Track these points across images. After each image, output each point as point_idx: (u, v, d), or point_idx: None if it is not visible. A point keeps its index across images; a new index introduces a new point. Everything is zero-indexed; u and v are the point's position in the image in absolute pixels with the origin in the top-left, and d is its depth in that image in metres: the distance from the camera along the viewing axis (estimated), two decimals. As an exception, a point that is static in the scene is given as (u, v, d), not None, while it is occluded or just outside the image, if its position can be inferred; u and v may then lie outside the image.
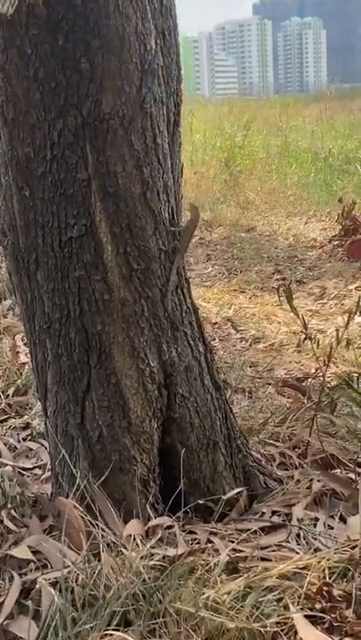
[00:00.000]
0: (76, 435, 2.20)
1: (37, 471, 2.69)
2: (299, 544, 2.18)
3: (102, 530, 2.05)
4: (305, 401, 3.53)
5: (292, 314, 5.52)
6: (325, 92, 22.76)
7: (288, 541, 2.17)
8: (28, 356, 3.49)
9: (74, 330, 2.13)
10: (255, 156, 13.51)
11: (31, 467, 2.73)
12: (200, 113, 15.82)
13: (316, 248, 8.08)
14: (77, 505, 2.12)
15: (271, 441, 2.83)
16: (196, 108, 15.49)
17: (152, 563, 1.90)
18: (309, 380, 3.97)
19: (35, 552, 2.09)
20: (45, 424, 2.33)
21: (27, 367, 3.72)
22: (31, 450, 2.86)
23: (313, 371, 4.24)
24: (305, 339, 2.79)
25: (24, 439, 3.00)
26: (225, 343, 4.88)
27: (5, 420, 3.21)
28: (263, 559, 2.04)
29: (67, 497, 2.21)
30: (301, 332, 2.97)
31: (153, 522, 2.16)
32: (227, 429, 2.35)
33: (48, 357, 2.22)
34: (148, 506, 2.20)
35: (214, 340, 4.89)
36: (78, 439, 2.20)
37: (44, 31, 1.97)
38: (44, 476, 2.55)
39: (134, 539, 2.05)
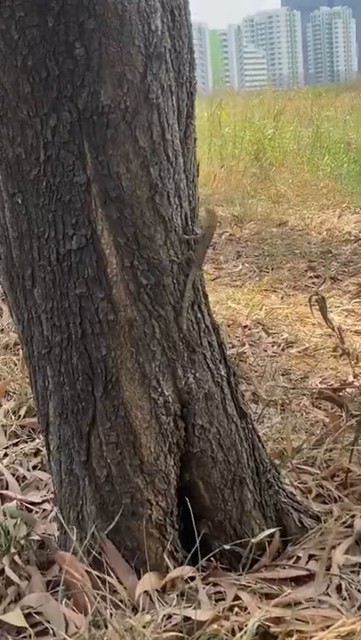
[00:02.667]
0: (82, 474, 1.92)
1: (47, 506, 2.42)
2: (341, 596, 1.89)
3: (112, 587, 1.77)
4: (343, 415, 3.25)
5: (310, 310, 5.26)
6: (357, 80, 22.44)
7: (328, 594, 1.88)
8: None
9: (76, 355, 1.86)
10: (286, 147, 13.27)
11: (40, 501, 2.46)
12: (229, 105, 15.56)
13: (351, 242, 7.79)
14: (83, 557, 1.85)
15: (306, 467, 2.54)
16: (225, 101, 15.24)
17: (167, 635, 1.61)
18: (347, 389, 3.67)
19: (37, 612, 1.82)
20: (49, 460, 2.05)
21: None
22: (41, 480, 2.59)
23: (351, 378, 3.96)
24: (342, 354, 2.49)
25: (34, 467, 2.72)
26: (255, 348, 4.60)
27: (16, 444, 2.93)
28: (299, 619, 1.75)
29: (71, 545, 1.94)
30: (338, 346, 2.67)
31: (171, 574, 1.88)
32: (255, 462, 2.06)
33: (49, 386, 1.95)
34: (165, 555, 1.92)
35: (244, 345, 4.61)
36: (84, 479, 1.92)
37: (31, 12, 1.70)
38: (52, 514, 2.27)
39: (150, 596, 1.77)
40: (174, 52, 1.85)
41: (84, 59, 1.71)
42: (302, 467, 2.55)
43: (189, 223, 1.90)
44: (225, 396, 1.99)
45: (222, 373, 1.99)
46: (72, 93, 1.73)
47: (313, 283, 6.26)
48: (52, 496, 2.40)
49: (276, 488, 2.11)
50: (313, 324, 5.10)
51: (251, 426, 2.06)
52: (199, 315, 1.93)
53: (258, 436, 2.09)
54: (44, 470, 2.64)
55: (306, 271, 6.58)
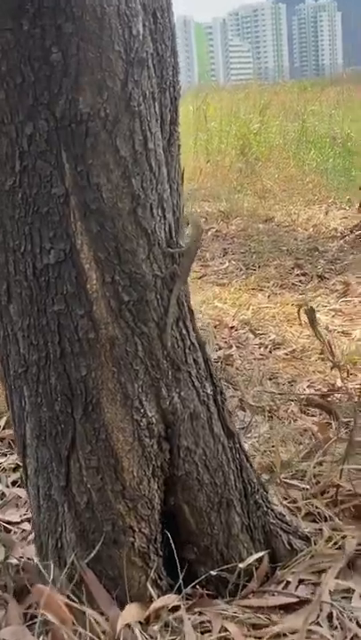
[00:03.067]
0: (61, 500, 1.83)
1: (26, 525, 2.32)
2: (331, 625, 1.80)
3: (93, 619, 1.68)
4: (333, 423, 3.17)
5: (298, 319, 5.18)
6: (342, 74, 22.40)
7: (318, 623, 1.80)
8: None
9: (54, 375, 1.76)
10: (272, 142, 13.19)
11: (19, 520, 2.37)
12: (215, 100, 15.46)
13: (338, 239, 7.71)
14: (62, 587, 1.76)
15: (295, 482, 2.45)
16: (210, 95, 15.14)
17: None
18: (336, 395, 3.59)
19: (13, 646, 1.73)
20: (26, 484, 1.96)
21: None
22: (20, 498, 2.49)
23: (339, 382, 3.88)
24: (332, 367, 2.40)
25: (13, 483, 2.63)
26: (242, 351, 4.51)
27: (-4, 459, 2.84)
28: (289, 653, 1.67)
29: (52, 574, 1.84)
30: (328, 359, 2.58)
31: (155, 604, 1.79)
32: (242, 483, 1.97)
33: (26, 406, 1.86)
34: (148, 584, 1.83)
35: (231, 347, 4.53)
36: (64, 505, 1.83)
37: (4, 15, 1.61)
38: (31, 535, 2.18)
39: (132, 629, 1.69)
40: (157, 56, 1.76)
41: (62, 64, 1.62)
42: (291, 481, 2.46)
43: (173, 235, 1.80)
44: (211, 415, 1.90)
45: (208, 391, 1.90)
46: (49, 101, 1.64)
47: (300, 281, 6.19)
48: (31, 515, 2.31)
49: (265, 509, 2.03)
50: (300, 325, 5.01)
51: (238, 445, 1.98)
52: (184, 331, 1.84)
53: (246, 456, 2.01)
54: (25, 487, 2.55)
55: (293, 269, 6.51)
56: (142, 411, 1.78)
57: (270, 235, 7.89)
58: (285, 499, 2.32)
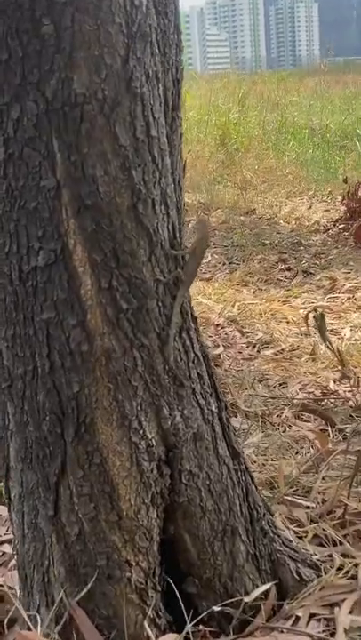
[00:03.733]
0: (49, 530, 1.63)
1: (6, 547, 2.11)
2: (349, 670, 1.62)
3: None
4: (329, 431, 2.99)
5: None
6: (319, 65, 22.33)
7: (335, 668, 1.61)
8: None
9: (42, 391, 1.56)
10: (251, 132, 13.04)
11: (-1, 541, 2.16)
12: (192, 89, 15.28)
13: (321, 232, 7.58)
14: (50, 629, 1.56)
15: (298, 499, 2.26)
16: (188, 84, 14.94)
17: None
18: (331, 400, 3.41)
19: None
20: (9, 509, 1.75)
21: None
22: (1, 516, 2.29)
23: (332, 384, 3.71)
24: (342, 378, 2.22)
25: None
26: (230, 350, 4.33)
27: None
28: None
29: (38, 611, 1.65)
30: (338, 369, 2.40)
31: (154, 646, 1.59)
32: (248, 509, 1.78)
33: (10, 425, 1.65)
34: (146, 622, 1.64)
35: (218, 346, 4.34)
36: (51, 536, 1.63)
37: None
38: (14, 561, 1.97)
39: None
40: (160, 31, 1.55)
41: (54, 38, 1.41)
42: (293, 499, 2.27)
43: (177, 235, 1.61)
44: (216, 435, 1.71)
45: (213, 409, 1.70)
46: (39, 79, 1.44)
47: (285, 276, 6.05)
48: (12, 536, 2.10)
49: (271, 535, 1.84)
50: (288, 322, 4.86)
51: (243, 466, 1.79)
52: (188, 342, 1.65)
53: (251, 478, 1.82)
54: (3, 504, 2.33)
55: (277, 263, 6.37)
56: (141, 432, 1.58)
57: (252, 228, 7.74)
58: (289, 519, 2.13)
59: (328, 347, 2.44)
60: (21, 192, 1.50)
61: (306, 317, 2.88)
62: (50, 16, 1.41)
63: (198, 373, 1.67)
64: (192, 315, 1.66)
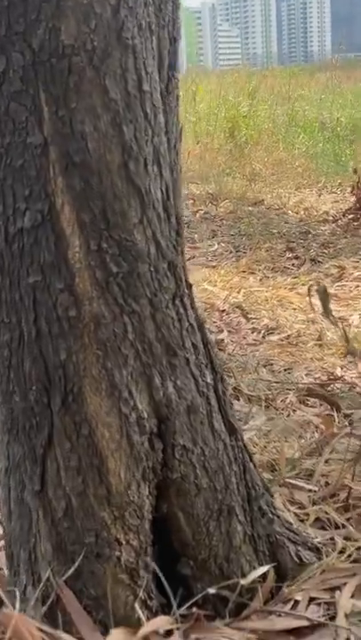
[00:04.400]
0: (35, 505, 1.55)
1: (-3, 529, 2.04)
2: (350, 656, 1.54)
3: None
4: (335, 415, 2.91)
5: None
6: (331, 60, 22.26)
7: (334, 653, 1.53)
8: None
9: (29, 359, 1.49)
10: (261, 126, 12.97)
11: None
12: (203, 83, 15.23)
13: (330, 222, 7.51)
14: (36, 608, 1.49)
15: (301, 483, 2.19)
16: (199, 79, 14.90)
17: None
18: (337, 385, 3.34)
19: None
20: (-5, 488, 1.68)
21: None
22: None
23: (338, 370, 3.63)
24: (346, 354, 2.14)
25: None
26: (234, 335, 4.26)
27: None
28: None
29: (24, 590, 1.57)
30: (344, 346, 2.32)
31: (144, 628, 1.52)
32: (245, 488, 1.71)
33: (-5, 395, 1.57)
34: (137, 604, 1.56)
35: (222, 331, 4.27)
36: (38, 511, 1.56)
37: None
38: (2, 541, 1.90)
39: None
40: (154, -18, 1.47)
41: (41, -15, 1.33)
42: (295, 482, 2.19)
43: (170, 197, 1.53)
44: (211, 409, 1.63)
45: (208, 380, 1.63)
46: (25, 29, 1.36)
47: (292, 264, 5.97)
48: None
49: (270, 516, 1.76)
50: (294, 309, 4.78)
51: (241, 443, 1.71)
52: (181, 310, 1.57)
53: (249, 455, 1.74)
54: None
55: (284, 252, 6.30)
56: (132, 403, 1.51)
57: (260, 217, 7.68)
58: (291, 502, 2.05)
59: (331, 320, 2.35)
60: (7, 149, 1.43)
61: (309, 292, 2.79)
62: None
63: (193, 343, 1.59)
64: (186, 281, 1.58)
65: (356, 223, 7.25)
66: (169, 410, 1.55)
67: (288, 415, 3.00)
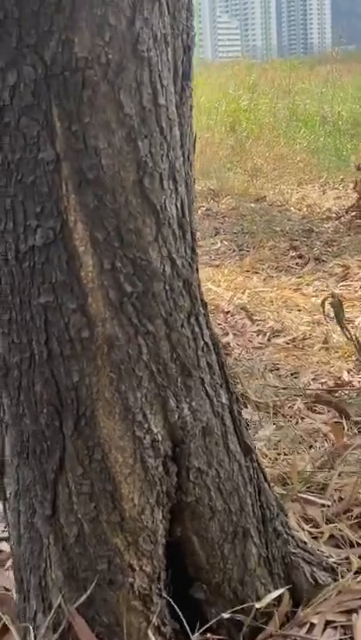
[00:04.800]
0: (46, 531, 1.51)
1: (4, 545, 2.00)
2: None
3: None
4: (344, 423, 2.87)
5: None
6: (331, 53, 22.18)
7: None
8: None
9: (40, 381, 1.44)
10: (262, 120, 12.92)
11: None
12: (203, 76, 15.15)
13: (333, 219, 7.47)
14: (47, 637, 1.44)
15: (312, 497, 2.14)
16: (199, 71, 14.80)
17: None
18: (345, 391, 3.29)
19: None
20: (4, 507, 1.64)
21: None
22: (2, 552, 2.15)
23: (345, 375, 3.59)
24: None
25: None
26: (240, 338, 4.22)
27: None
28: None
29: (34, 617, 1.53)
30: (353, 359, 2.28)
31: (158, 656, 1.48)
32: (261, 508, 1.66)
33: (4, 417, 1.53)
34: (150, 631, 1.52)
35: (227, 334, 4.23)
36: (49, 537, 1.51)
37: None
38: (10, 561, 1.85)
39: None
40: (170, -9, 1.42)
41: (54, -4, 1.28)
42: (308, 496, 2.15)
43: (186, 213, 1.48)
44: (227, 430, 1.58)
45: (223, 401, 1.58)
46: (37, 42, 1.31)
47: (296, 263, 5.94)
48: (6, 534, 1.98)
49: (285, 537, 1.72)
50: (299, 310, 4.75)
51: (256, 463, 1.66)
52: (197, 329, 1.52)
53: (264, 474, 1.70)
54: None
55: (288, 250, 6.27)
56: (146, 426, 1.46)
57: (263, 214, 7.64)
58: (304, 519, 2.01)
59: (346, 335, 2.31)
60: (18, 165, 1.38)
61: (322, 304, 2.74)
62: (49, -29, 1.28)
63: (208, 362, 1.55)
64: (202, 300, 1.54)
65: (359, 221, 7.21)
66: (184, 432, 1.51)
67: (296, 423, 2.96)
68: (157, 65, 1.38)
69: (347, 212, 7.53)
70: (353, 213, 7.41)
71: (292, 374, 3.61)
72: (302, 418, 3.03)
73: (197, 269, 1.52)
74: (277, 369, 3.67)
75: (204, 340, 1.54)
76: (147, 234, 1.41)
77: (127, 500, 1.47)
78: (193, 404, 1.52)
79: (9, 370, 1.48)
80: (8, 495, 1.59)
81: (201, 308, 1.53)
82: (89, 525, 1.48)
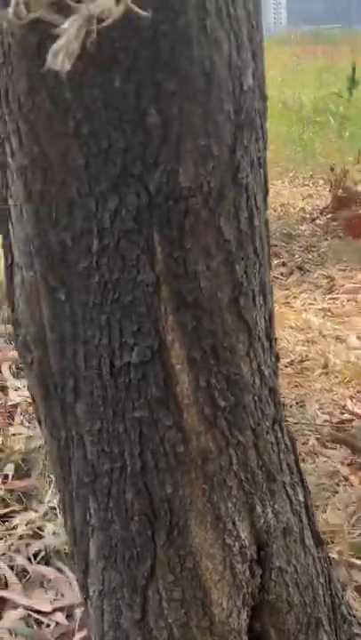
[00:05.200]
0: (134, 634, 1.55)
1: (59, 616, 2.03)
2: None
3: None
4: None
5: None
6: (289, 36, 22.13)
7: None
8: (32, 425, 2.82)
9: (132, 490, 1.47)
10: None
11: (50, 610, 2.07)
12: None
13: (308, 221, 7.49)
14: None
15: (355, 559, 2.20)
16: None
17: None
18: (354, 425, 3.36)
19: None
20: (85, 603, 1.67)
21: (23, 433, 3.00)
22: (44, 576, 2.19)
23: (349, 402, 3.67)
24: None
25: (35, 555, 2.30)
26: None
27: (8, 518, 2.51)
28: None
29: None
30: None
31: None
32: (330, 597, 1.72)
33: (91, 520, 1.56)
34: None
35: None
36: (137, 639, 1.54)
37: (91, 68, 1.28)
38: (78, 639, 1.87)
39: None
40: (262, 114, 1.45)
41: (161, 128, 1.31)
42: (350, 559, 2.20)
43: (271, 323, 1.52)
44: (303, 526, 1.63)
45: (300, 498, 1.63)
46: (142, 172, 1.33)
47: (281, 273, 6.00)
48: (64, 602, 2.02)
49: (350, 618, 1.78)
50: (292, 328, 4.80)
51: (325, 553, 1.71)
52: (279, 433, 1.57)
53: (330, 563, 1.74)
54: (49, 563, 2.24)
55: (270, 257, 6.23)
56: (235, 533, 1.50)
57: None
58: (356, 588, 2.07)
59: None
60: (115, 285, 1.40)
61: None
62: (157, 105, 1.30)
63: (288, 464, 1.59)
64: (281, 402, 1.57)
65: (334, 223, 7.24)
66: (268, 535, 1.55)
67: (313, 462, 3.01)
68: (253, 189, 1.41)
69: (321, 214, 7.56)
70: (328, 215, 7.44)
71: (297, 403, 3.67)
72: (317, 455, 3.09)
73: (278, 374, 1.56)
74: (283, 397, 3.72)
75: (284, 442, 1.58)
76: (240, 349, 1.44)
77: (216, 605, 1.51)
78: (276, 506, 1.56)
79: (98, 477, 1.51)
80: (91, 593, 1.62)
81: (282, 412, 1.57)
82: (179, 630, 1.51)
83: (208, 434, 1.44)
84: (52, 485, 2.57)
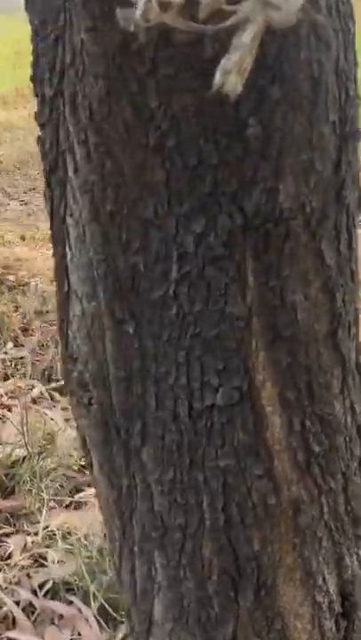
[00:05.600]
0: None
1: None
2: None
3: None
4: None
5: None
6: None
7: None
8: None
9: (211, 547, 1.31)
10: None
11: (67, 650, 1.88)
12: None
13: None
14: None
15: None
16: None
17: None
18: None
19: None
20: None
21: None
22: (54, 612, 1.99)
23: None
24: None
25: (40, 586, 2.11)
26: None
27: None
28: None
29: None
30: None
31: None
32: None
33: (157, 577, 1.39)
34: None
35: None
36: None
37: (184, 71, 1.10)
38: None
39: None
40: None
41: (260, 142, 1.13)
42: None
43: (358, 354, 1.36)
44: (378, 570, 1.49)
45: (378, 540, 1.48)
46: (237, 190, 1.15)
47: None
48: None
49: None
50: None
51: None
52: (358, 471, 1.41)
53: None
54: (57, 596, 2.04)
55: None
56: (325, 588, 1.35)
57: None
58: None
59: None
60: (197, 318, 1.22)
61: None
62: (258, 115, 1.12)
63: (368, 505, 1.44)
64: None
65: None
66: (353, 586, 1.40)
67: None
68: (354, 209, 1.25)
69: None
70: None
71: None
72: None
73: (359, 408, 1.41)
74: None
75: (366, 481, 1.43)
76: (334, 386, 1.29)
77: (305, 668, 1.36)
78: (359, 553, 1.41)
79: (167, 530, 1.34)
80: (154, 655, 1.45)
81: (366, 450, 1.42)
82: None
83: (300, 482, 1.29)
84: (46, 506, 2.38)
